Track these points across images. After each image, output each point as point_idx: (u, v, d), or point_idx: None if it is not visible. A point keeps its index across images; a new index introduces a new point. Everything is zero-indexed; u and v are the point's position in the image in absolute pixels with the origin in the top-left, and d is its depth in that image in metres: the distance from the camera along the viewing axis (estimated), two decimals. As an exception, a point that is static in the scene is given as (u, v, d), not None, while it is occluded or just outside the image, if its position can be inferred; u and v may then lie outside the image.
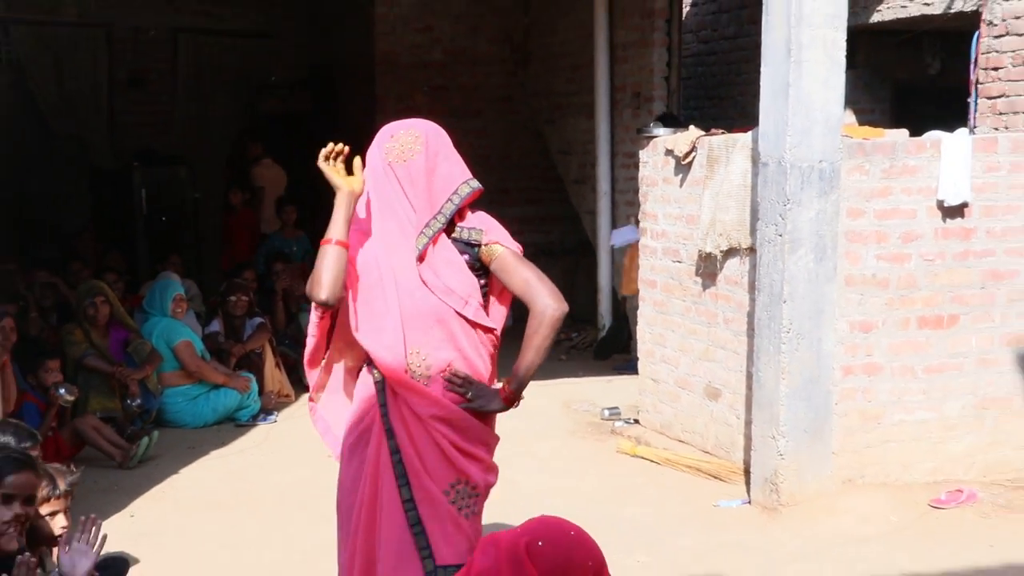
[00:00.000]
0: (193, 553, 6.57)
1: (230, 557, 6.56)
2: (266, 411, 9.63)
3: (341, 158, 4.40)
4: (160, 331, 9.44)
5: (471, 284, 4.42)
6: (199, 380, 9.43)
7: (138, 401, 8.94)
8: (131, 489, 7.67)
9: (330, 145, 4.40)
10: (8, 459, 4.73)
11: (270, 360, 10.01)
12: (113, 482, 7.81)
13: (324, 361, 4.65)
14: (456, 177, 4.40)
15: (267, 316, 10.56)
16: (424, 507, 4.35)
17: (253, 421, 9.47)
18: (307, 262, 11.80)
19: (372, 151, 4.45)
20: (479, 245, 4.43)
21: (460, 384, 4.38)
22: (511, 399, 4.50)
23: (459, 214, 4.43)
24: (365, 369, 4.48)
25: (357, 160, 4.42)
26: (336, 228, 4.31)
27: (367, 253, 4.39)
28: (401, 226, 4.35)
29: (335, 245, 4.29)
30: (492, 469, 4.59)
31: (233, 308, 10.14)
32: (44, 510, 5.10)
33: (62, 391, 8.08)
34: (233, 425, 9.36)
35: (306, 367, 4.71)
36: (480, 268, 4.46)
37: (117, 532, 6.75)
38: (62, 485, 5.28)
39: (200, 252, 14.11)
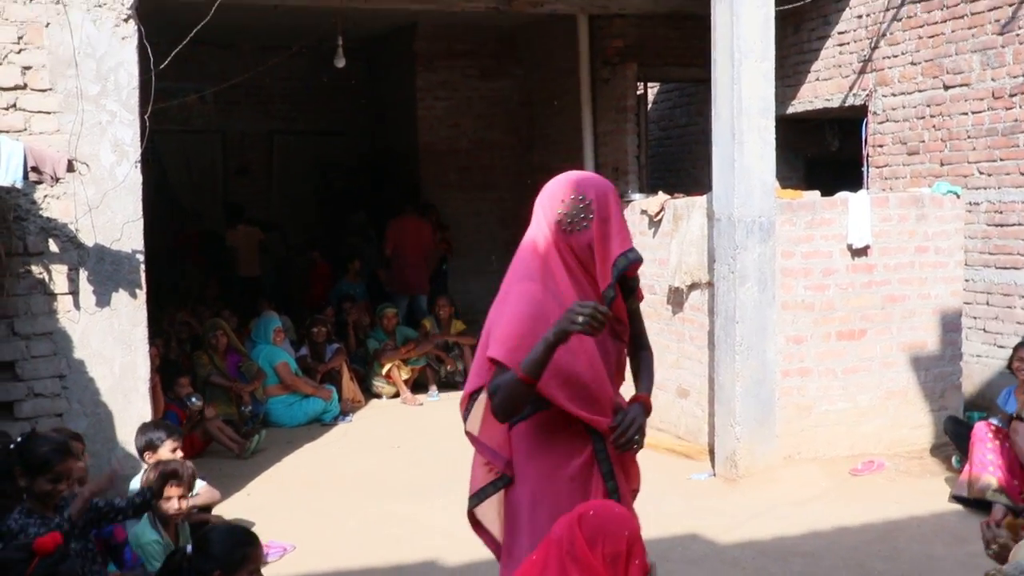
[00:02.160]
0: (295, 521, 6.51)
1: (320, 522, 6.52)
2: (344, 414, 9.53)
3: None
4: (265, 355, 9.38)
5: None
6: (294, 391, 9.33)
7: (249, 408, 8.90)
8: (247, 474, 7.61)
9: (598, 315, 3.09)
10: (56, 449, 4.59)
11: (346, 375, 9.93)
12: (233, 469, 7.74)
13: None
14: (615, 250, 3.33)
15: (342, 342, 10.51)
16: None
17: (335, 421, 9.36)
18: (368, 300, 11.79)
19: (540, 211, 3.41)
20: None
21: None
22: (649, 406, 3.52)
23: None
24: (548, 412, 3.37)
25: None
26: (535, 368, 3.14)
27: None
28: (584, 293, 3.33)
29: (525, 384, 3.17)
30: None
31: (316, 336, 10.08)
32: (175, 492, 5.01)
33: (193, 399, 8.08)
34: (320, 425, 9.25)
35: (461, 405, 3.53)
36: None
37: (237, 506, 6.83)
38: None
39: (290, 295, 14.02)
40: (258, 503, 6.95)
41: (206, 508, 5.91)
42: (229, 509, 6.71)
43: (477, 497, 3.52)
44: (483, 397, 3.39)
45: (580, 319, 3.06)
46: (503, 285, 3.43)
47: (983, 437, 6.35)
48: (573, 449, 3.39)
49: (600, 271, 3.32)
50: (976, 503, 6.27)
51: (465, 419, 3.49)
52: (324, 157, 15.11)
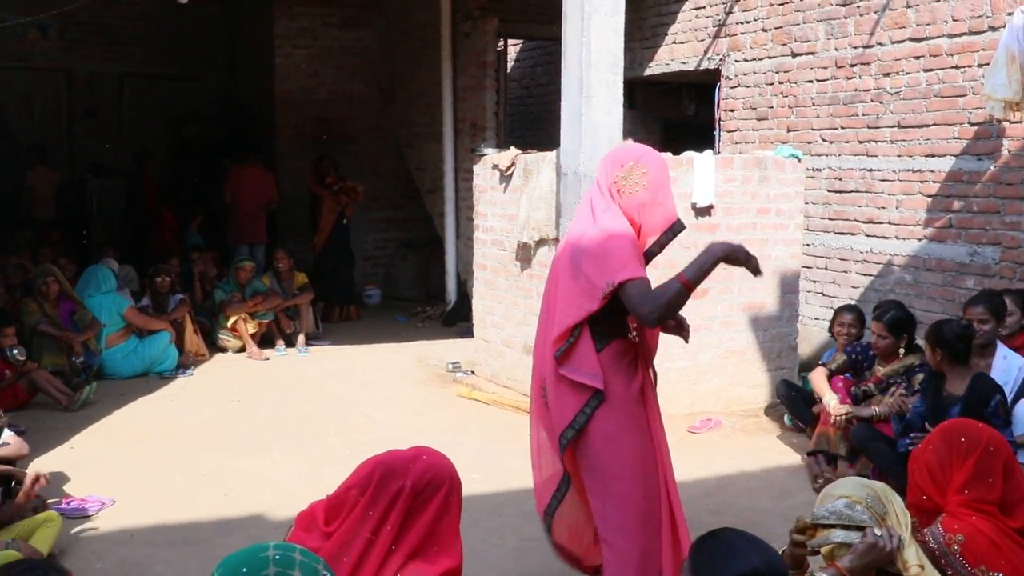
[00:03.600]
0: (119, 475, 6.23)
1: (145, 477, 6.25)
2: (185, 367, 9.20)
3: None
4: (110, 304, 9.01)
5: None
6: (132, 335, 9.07)
7: (81, 358, 8.51)
8: (73, 427, 7.27)
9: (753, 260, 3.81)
10: None
11: (189, 327, 9.57)
12: (58, 422, 7.40)
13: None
14: (663, 222, 3.90)
15: (187, 293, 10.14)
16: None
17: (175, 375, 9.02)
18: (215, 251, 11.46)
19: (602, 173, 3.92)
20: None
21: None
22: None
23: None
24: (621, 340, 3.94)
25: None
26: (700, 278, 3.75)
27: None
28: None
29: (688, 291, 3.74)
30: None
31: (160, 286, 9.68)
32: None
33: (14, 352, 7.70)
34: (159, 378, 8.91)
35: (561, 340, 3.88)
36: None
37: (59, 460, 6.51)
38: None
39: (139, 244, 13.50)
40: (81, 456, 6.65)
41: (10, 462, 5.56)
42: (48, 463, 6.38)
43: (548, 514, 4.13)
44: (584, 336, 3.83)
45: (744, 255, 3.77)
46: (571, 233, 3.98)
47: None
48: (635, 372, 3.99)
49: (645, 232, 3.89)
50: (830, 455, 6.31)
51: (557, 354, 3.87)
52: (178, 103, 14.56)
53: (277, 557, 2.19)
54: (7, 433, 5.43)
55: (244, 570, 2.16)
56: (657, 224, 3.91)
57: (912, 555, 3.13)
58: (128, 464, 6.49)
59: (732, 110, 9.61)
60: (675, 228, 3.98)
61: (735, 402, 7.66)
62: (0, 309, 8.54)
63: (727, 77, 9.63)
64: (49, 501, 5.56)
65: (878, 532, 3.13)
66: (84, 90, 14.35)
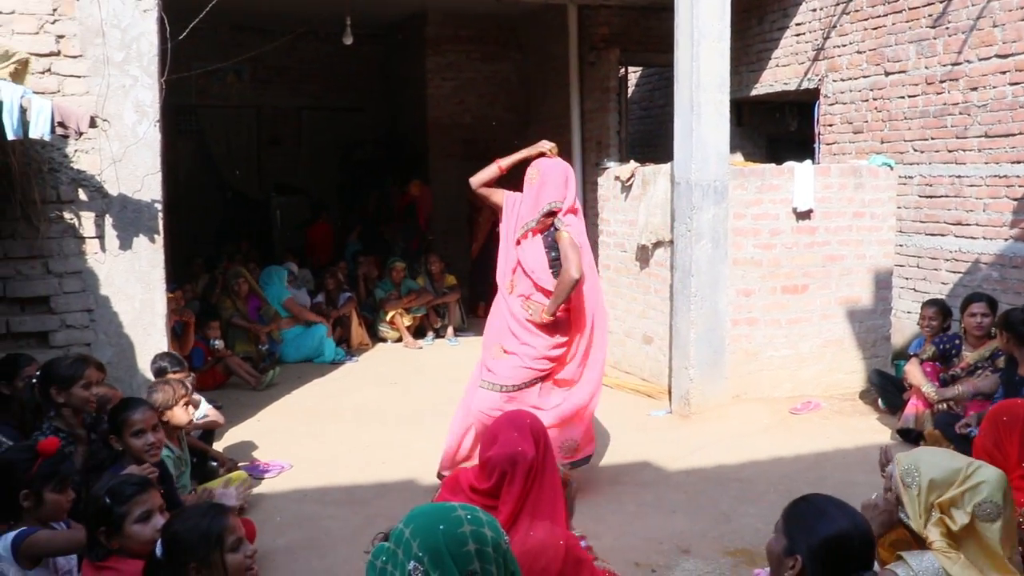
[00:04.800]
0: (295, 444, 6.47)
1: (317, 446, 6.47)
2: (351, 355, 9.44)
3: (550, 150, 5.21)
4: (274, 294, 9.36)
5: (540, 259, 5.08)
6: (298, 324, 9.33)
7: (266, 346, 8.83)
8: (259, 403, 7.57)
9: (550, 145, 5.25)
10: (79, 360, 4.55)
11: (355, 320, 9.84)
12: (248, 399, 7.71)
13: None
14: (544, 200, 5.06)
15: (353, 291, 10.41)
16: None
17: (343, 361, 9.25)
18: (376, 256, 11.69)
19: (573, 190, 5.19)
20: (557, 230, 5.03)
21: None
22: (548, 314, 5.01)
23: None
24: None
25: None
26: (507, 160, 5.34)
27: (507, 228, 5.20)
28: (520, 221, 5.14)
29: (498, 169, 5.28)
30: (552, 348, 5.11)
31: (330, 285, 9.98)
32: (183, 402, 4.90)
33: (216, 343, 8.07)
34: (329, 364, 9.14)
35: None
36: (554, 244, 5.05)
37: (247, 431, 6.79)
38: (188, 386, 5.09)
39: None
40: (266, 427, 6.92)
41: (211, 430, 5.83)
42: (240, 433, 6.69)
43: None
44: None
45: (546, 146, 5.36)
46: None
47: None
48: None
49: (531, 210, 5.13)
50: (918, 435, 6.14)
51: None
52: (346, 131, 14.97)
53: (469, 517, 2.13)
54: (207, 406, 5.69)
55: (441, 527, 2.09)
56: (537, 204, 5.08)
57: (936, 534, 2.92)
58: (304, 435, 6.72)
59: (830, 125, 9.33)
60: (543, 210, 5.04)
61: (833, 387, 7.45)
62: (211, 306, 8.96)
63: (825, 95, 9.36)
64: (240, 464, 5.82)
65: (873, 496, 3.08)
66: (270, 122, 14.90)
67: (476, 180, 5.23)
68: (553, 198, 5.04)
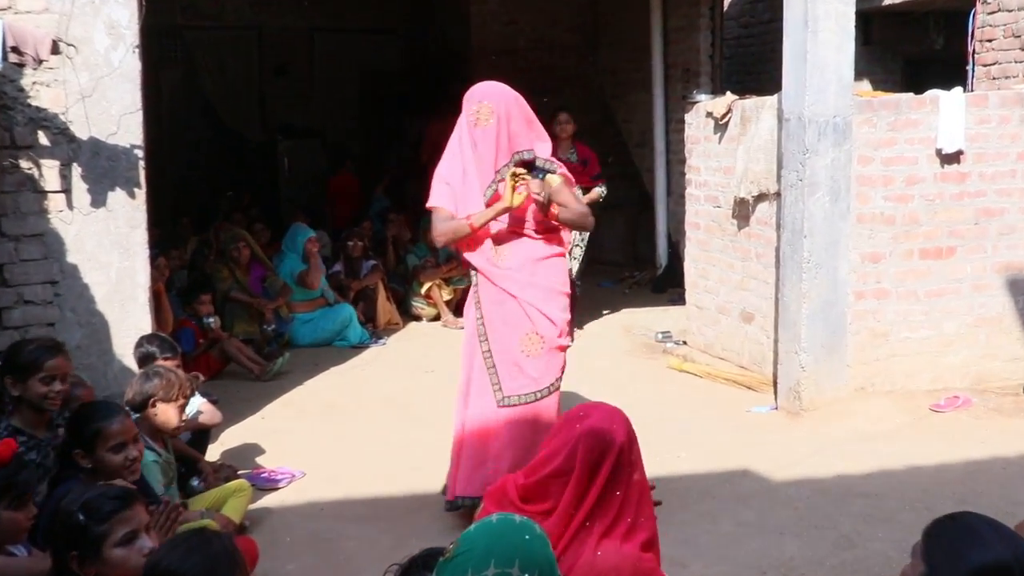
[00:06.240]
0: (309, 447, 6.54)
1: (336, 448, 6.54)
2: (377, 337, 9.50)
3: (522, 183, 5.00)
4: (288, 268, 9.37)
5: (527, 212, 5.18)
6: (318, 307, 9.35)
7: (272, 326, 8.93)
8: (264, 396, 7.65)
9: (521, 171, 5.02)
10: (42, 347, 4.60)
11: (382, 294, 9.90)
12: (250, 391, 7.80)
13: None
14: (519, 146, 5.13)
15: (380, 259, 10.44)
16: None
17: (367, 344, 9.31)
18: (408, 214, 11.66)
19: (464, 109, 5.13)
20: (549, 172, 5.17)
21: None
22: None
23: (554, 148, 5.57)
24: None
25: (530, 184, 5.01)
26: (479, 219, 5.04)
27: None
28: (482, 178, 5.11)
29: (470, 228, 5.05)
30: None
31: (352, 251, 10.04)
32: (179, 403, 4.95)
33: (209, 321, 8.17)
34: (350, 348, 9.20)
35: None
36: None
37: (250, 431, 6.87)
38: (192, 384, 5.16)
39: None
40: (272, 427, 7.00)
41: (205, 431, 5.89)
42: (239, 434, 6.78)
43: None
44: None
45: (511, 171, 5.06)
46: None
47: None
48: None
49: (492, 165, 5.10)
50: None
51: None
52: (369, 59, 14.98)
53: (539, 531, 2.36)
54: (200, 401, 5.74)
55: (527, 536, 2.32)
56: (503, 154, 5.08)
57: None
58: (318, 435, 6.78)
59: (990, 40, 9.10)
60: (515, 159, 5.09)
61: (987, 378, 7.31)
62: (202, 275, 9.05)
63: (984, 2, 9.12)
64: (240, 472, 5.88)
65: None
66: (274, 48, 14.98)
67: (444, 238, 5.18)
68: (529, 145, 5.17)
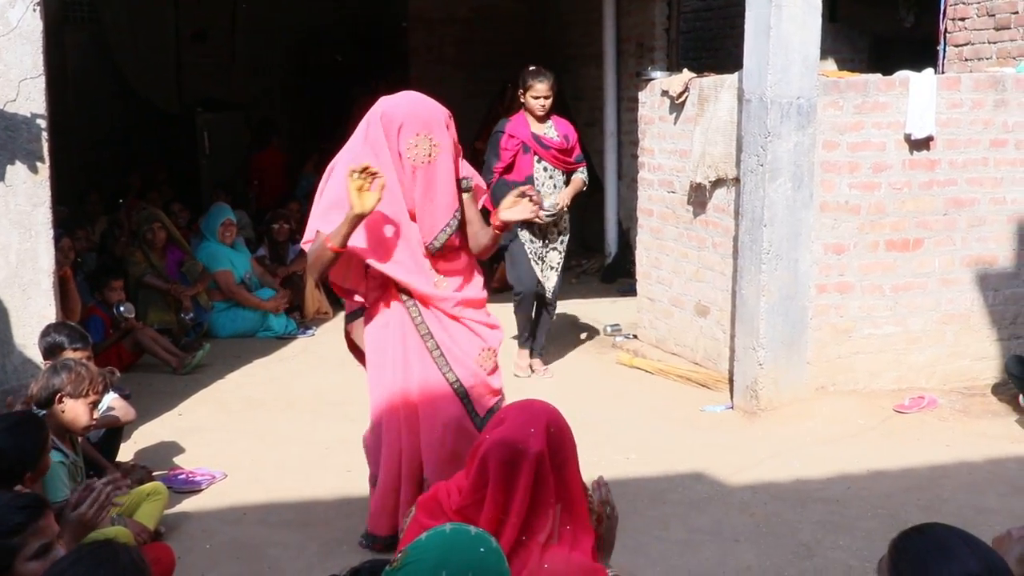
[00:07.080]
0: (231, 446, 6.51)
1: (260, 448, 6.52)
2: (306, 326, 9.48)
3: (368, 180, 4.40)
4: (205, 257, 9.33)
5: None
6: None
7: (191, 315, 8.90)
8: (181, 392, 7.62)
9: (363, 163, 4.41)
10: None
11: (311, 282, 9.84)
12: (166, 385, 7.78)
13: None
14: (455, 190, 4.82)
15: (308, 242, 10.40)
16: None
17: (294, 335, 9.30)
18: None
19: (381, 132, 4.61)
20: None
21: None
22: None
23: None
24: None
25: (380, 182, 4.42)
26: (337, 238, 4.50)
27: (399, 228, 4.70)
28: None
29: (331, 251, 4.55)
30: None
31: (277, 234, 9.99)
32: (89, 400, 4.88)
33: (121, 309, 8.10)
34: (276, 339, 9.20)
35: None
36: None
37: (166, 428, 6.83)
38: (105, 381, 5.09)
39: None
40: (190, 424, 6.97)
41: (116, 429, 5.82)
42: (154, 432, 6.74)
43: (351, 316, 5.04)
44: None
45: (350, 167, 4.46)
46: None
47: None
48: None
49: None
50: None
51: None
52: (300, 24, 14.87)
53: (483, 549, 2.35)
54: (111, 396, 5.67)
55: (481, 549, 2.33)
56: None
57: None
58: (241, 434, 6.76)
59: (963, 19, 9.22)
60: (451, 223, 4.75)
61: (954, 377, 7.44)
62: (113, 258, 8.97)
63: (956, -22, 9.24)
64: (155, 473, 5.83)
65: (1011, 530, 2.99)
66: (192, 9, 14.79)
67: (315, 273, 4.85)
68: (466, 173, 4.93)
